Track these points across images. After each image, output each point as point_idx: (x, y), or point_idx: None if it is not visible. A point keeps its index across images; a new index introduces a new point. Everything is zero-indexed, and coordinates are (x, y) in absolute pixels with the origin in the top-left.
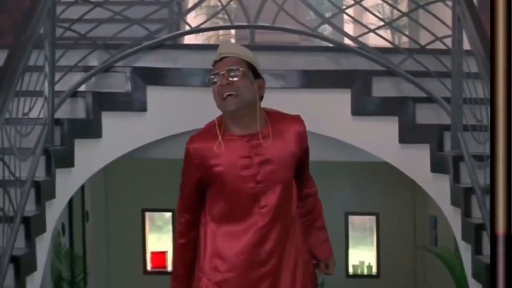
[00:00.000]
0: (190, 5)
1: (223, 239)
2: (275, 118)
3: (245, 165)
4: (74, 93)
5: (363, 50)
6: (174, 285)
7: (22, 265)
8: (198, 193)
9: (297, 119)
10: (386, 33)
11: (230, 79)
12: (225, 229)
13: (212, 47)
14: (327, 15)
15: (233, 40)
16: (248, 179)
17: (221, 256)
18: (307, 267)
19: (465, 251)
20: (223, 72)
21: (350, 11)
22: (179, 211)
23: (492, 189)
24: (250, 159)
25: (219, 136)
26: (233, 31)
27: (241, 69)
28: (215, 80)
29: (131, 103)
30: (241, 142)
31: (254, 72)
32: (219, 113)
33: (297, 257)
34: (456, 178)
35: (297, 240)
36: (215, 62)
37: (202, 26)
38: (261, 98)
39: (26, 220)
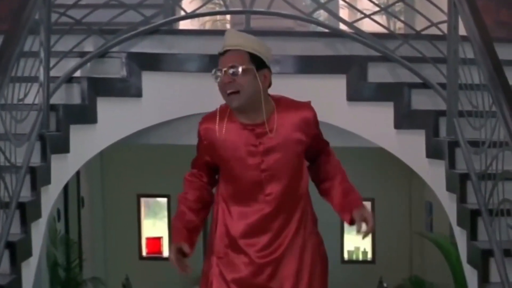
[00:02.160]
0: None
1: (231, 219)
2: (283, 105)
3: (250, 153)
4: (69, 79)
5: (358, 35)
6: (180, 237)
7: (18, 251)
8: (208, 171)
9: (306, 106)
10: (382, 19)
11: (232, 76)
12: (234, 210)
13: (208, 33)
14: (323, 0)
15: (228, 26)
16: (252, 167)
17: (229, 238)
18: (316, 250)
19: (461, 237)
20: (225, 69)
21: None
22: (191, 173)
23: None
24: (255, 148)
25: (226, 121)
26: (228, 17)
27: (241, 67)
28: (218, 75)
29: (127, 89)
30: (246, 130)
31: (260, 62)
32: (215, 99)
33: (304, 241)
34: (451, 164)
35: (306, 225)
36: (220, 54)
37: (198, 11)
38: (269, 85)
39: (21, 206)
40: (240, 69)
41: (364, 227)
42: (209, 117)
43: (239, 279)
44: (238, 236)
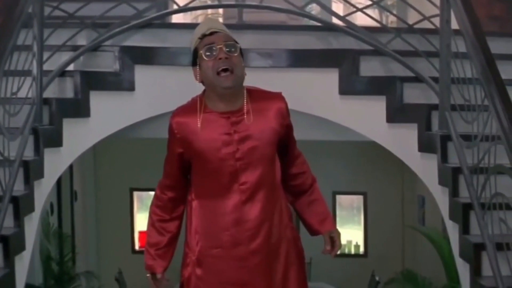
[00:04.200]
0: None
1: (207, 216)
2: (256, 95)
3: (224, 142)
4: (62, 73)
5: (351, 29)
6: (151, 263)
7: (11, 245)
8: (181, 169)
9: (278, 96)
10: (374, 12)
11: (229, 53)
12: (208, 206)
13: None
14: None
15: (221, 19)
16: (227, 156)
17: (206, 233)
18: (292, 245)
19: (453, 231)
20: (221, 45)
21: None
22: (160, 187)
23: None
24: (229, 136)
25: (200, 113)
26: (221, 10)
27: (238, 45)
28: (214, 49)
29: (120, 83)
30: (221, 119)
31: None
32: None
33: (280, 235)
34: (443, 158)
35: (281, 218)
36: (204, 35)
37: (190, 5)
38: None
39: (14, 200)
40: (237, 47)
41: (328, 249)
42: (182, 111)
43: (215, 276)
44: (218, 230)
